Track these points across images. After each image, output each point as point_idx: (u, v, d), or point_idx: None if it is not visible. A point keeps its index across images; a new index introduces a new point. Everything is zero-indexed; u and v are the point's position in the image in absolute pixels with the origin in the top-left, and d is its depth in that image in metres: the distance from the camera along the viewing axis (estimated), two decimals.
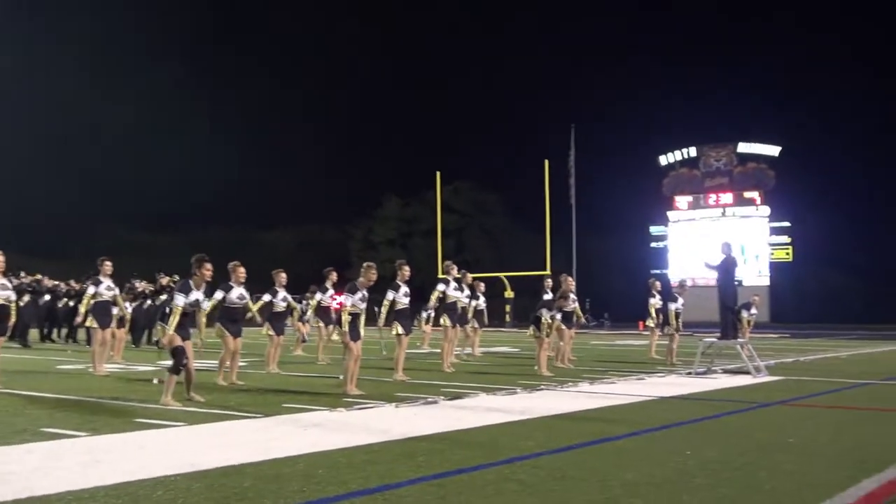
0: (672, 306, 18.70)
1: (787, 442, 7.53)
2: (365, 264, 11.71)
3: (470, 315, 18.24)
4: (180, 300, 9.92)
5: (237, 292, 12.74)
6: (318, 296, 17.99)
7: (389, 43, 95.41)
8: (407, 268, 14.02)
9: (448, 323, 16.29)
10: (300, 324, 19.52)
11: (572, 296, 17.23)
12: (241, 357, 13.43)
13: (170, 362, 10.05)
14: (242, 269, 13.02)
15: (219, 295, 12.61)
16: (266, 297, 15.07)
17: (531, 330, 15.30)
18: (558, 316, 15.91)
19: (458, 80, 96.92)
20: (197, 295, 10.09)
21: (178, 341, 9.94)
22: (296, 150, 79.09)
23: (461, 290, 16.73)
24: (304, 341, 19.79)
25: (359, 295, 11.47)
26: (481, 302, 20.04)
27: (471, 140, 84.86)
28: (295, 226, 77.26)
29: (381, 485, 5.53)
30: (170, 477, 5.71)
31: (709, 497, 5.32)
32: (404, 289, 13.51)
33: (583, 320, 18.08)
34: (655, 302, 19.75)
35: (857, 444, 7.46)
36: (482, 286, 20.67)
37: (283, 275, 15.33)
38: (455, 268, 16.35)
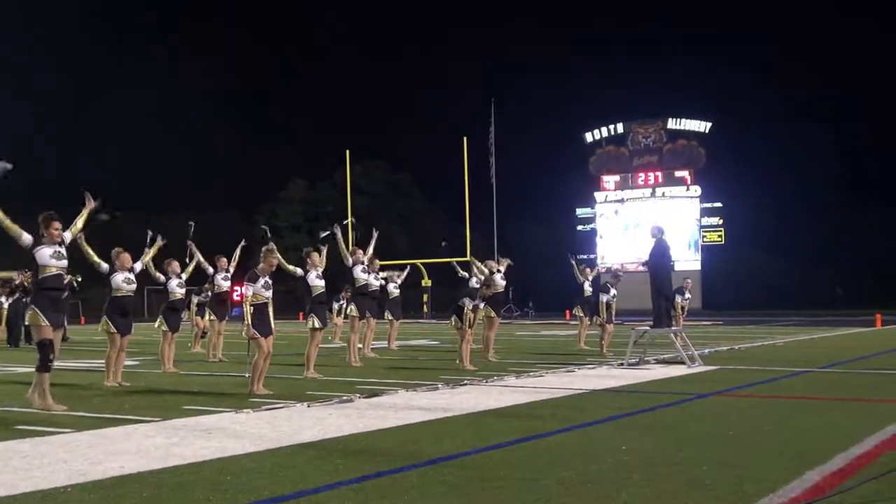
0: (604, 297, 19.02)
1: (726, 434, 7.69)
2: (264, 248, 11.53)
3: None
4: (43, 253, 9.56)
5: (123, 276, 12.49)
6: (195, 299, 17.87)
7: (294, 11, 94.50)
8: (316, 255, 14.09)
9: (355, 312, 16.45)
10: (198, 318, 19.25)
11: (498, 278, 17.41)
12: (135, 356, 13.19)
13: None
14: (127, 255, 12.85)
15: (104, 268, 12.38)
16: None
17: (453, 321, 15.35)
18: (481, 305, 15.96)
19: (366, 50, 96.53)
20: (48, 250, 9.66)
21: (47, 333, 9.63)
22: (194, 130, 77.79)
23: (368, 273, 17.00)
24: (202, 336, 19.50)
25: (261, 282, 11.31)
26: (392, 288, 20.42)
27: (382, 116, 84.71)
28: (193, 211, 76.11)
29: (296, 491, 5.50)
30: (59, 489, 5.59)
31: (649, 494, 5.40)
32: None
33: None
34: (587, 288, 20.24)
35: (799, 435, 7.65)
36: (402, 275, 20.99)
37: (176, 263, 15.10)
38: (361, 252, 16.37)
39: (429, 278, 52.76)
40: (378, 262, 17.65)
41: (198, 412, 9.34)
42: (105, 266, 12.53)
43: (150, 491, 5.54)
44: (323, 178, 72.02)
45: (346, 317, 18.09)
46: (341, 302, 21.75)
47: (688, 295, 22.52)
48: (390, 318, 20.90)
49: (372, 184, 71.23)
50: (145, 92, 74.10)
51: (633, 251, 60.86)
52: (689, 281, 23.12)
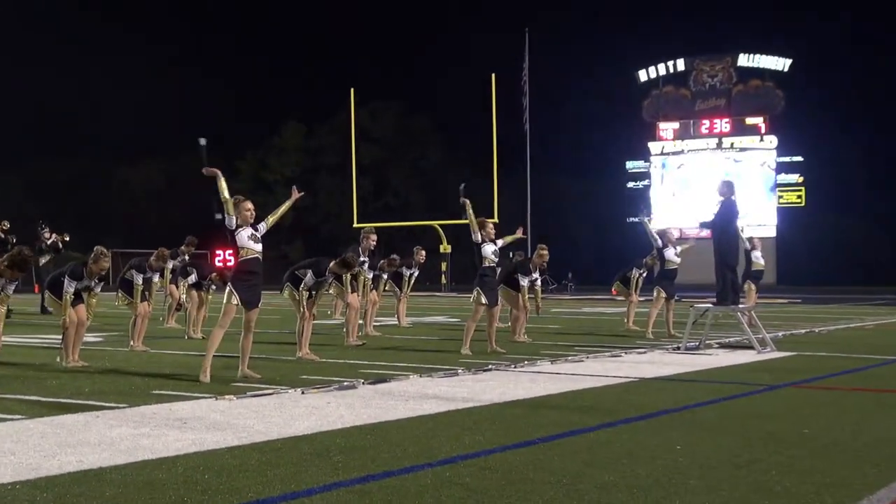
0: (636, 271, 19.71)
1: (801, 433, 7.66)
2: (234, 198, 11.35)
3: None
4: None
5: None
6: (170, 263, 17.87)
7: None
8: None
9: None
10: (173, 287, 19.25)
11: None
12: (97, 331, 13.25)
13: None
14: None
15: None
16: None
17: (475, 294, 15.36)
18: (538, 281, 16.20)
19: None
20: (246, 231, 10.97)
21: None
22: (169, 61, 77.81)
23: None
24: (178, 310, 19.55)
25: (246, 232, 11.23)
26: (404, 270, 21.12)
27: (394, 47, 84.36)
28: (165, 159, 76.40)
29: (286, 493, 5.51)
30: (5, 486, 5.61)
31: (707, 502, 5.40)
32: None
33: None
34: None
35: (889, 436, 7.59)
36: (423, 254, 21.27)
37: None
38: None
39: (448, 243, 52.45)
40: (373, 238, 17.62)
41: (171, 398, 9.35)
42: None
43: (113, 490, 5.55)
44: (322, 122, 71.99)
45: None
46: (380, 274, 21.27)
47: (758, 253, 21.88)
48: (399, 292, 21.61)
49: (381, 129, 71.12)
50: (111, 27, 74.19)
51: (693, 213, 60.57)
52: (757, 240, 22.50)
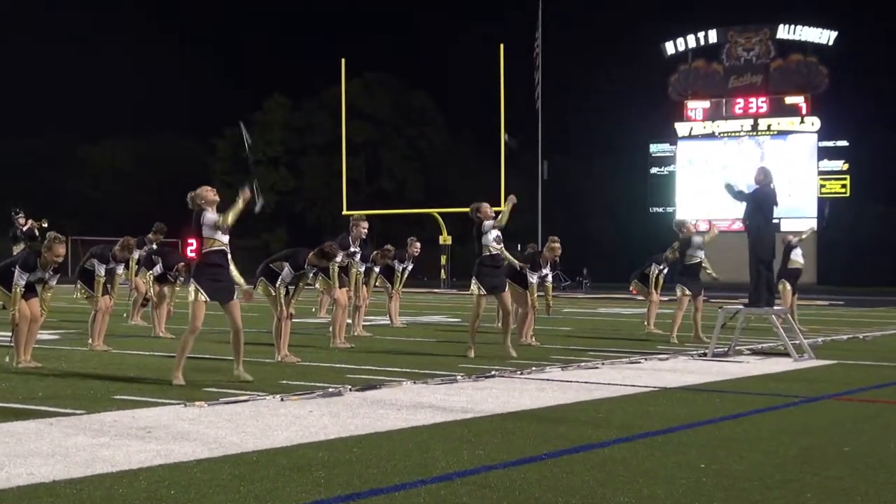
0: (655, 268, 19.94)
1: (841, 450, 7.67)
2: (202, 190, 11.42)
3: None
4: None
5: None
6: (136, 253, 17.79)
7: None
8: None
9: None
10: (139, 280, 19.18)
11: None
12: (53, 328, 13.19)
13: None
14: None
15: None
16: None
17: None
18: (549, 277, 16.24)
19: None
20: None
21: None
22: (140, 31, 77.77)
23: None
24: (144, 305, 19.50)
25: (211, 218, 11.22)
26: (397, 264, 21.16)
27: (391, 14, 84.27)
28: (138, 136, 76.41)
29: None
30: None
31: None
32: None
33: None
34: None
35: None
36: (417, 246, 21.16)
37: None
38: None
39: (448, 234, 52.37)
40: (364, 226, 17.58)
41: (134, 404, 9.35)
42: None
43: None
44: (310, 96, 71.90)
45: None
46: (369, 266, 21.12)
47: (798, 252, 21.76)
48: (390, 289, 21.61)
49: (376, 105, 71.03)
50: None
51: (724, 204, 60.37)
52: (793, 237, 22.24)
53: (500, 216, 15.28)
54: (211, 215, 11.12)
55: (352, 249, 16.97)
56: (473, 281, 15.17)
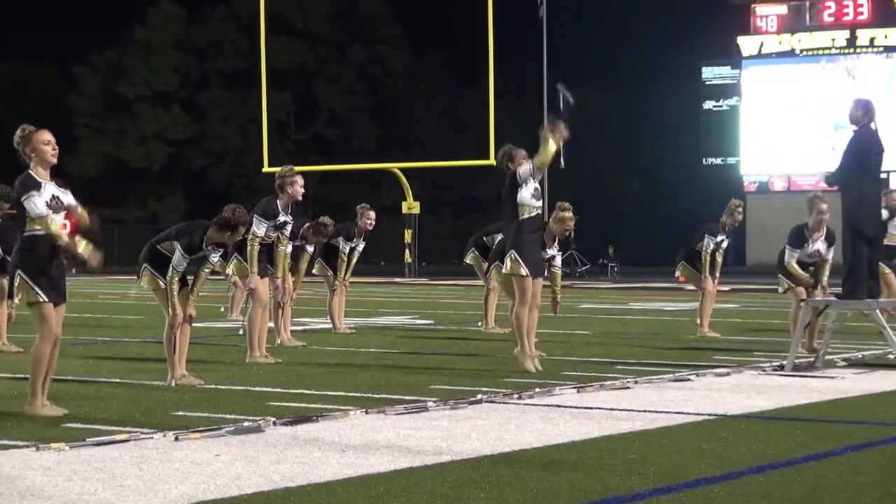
0: (711, 243, 17.46)
1: None
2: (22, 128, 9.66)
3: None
4: None
5: None
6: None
7: None
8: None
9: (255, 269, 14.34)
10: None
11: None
12: None
13: None
14: None
15: None
16: None
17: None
18: (557, 259, 15.10)
19: None
20: None
21: None
22: None
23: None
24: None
25: (44, 194, 9.64)
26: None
27: None
28: None
29: None
30: None
31: None
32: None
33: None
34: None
35: None
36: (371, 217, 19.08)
37: None
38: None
39: (415, 199, 47.50)
40: (299, 186, 15.12)
41: None
42: None
43: None
44: (212, 4, 66.24)
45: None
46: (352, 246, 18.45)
47: None
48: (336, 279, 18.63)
49: (310, 19, 65.75)
50: None
51: (807, 153, 55.11)
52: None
53: (538, 155, 13.09)
54: (42, 191, 9.59)
55: (281, 219, 14.47)
56: (512, 257, 13.10)
